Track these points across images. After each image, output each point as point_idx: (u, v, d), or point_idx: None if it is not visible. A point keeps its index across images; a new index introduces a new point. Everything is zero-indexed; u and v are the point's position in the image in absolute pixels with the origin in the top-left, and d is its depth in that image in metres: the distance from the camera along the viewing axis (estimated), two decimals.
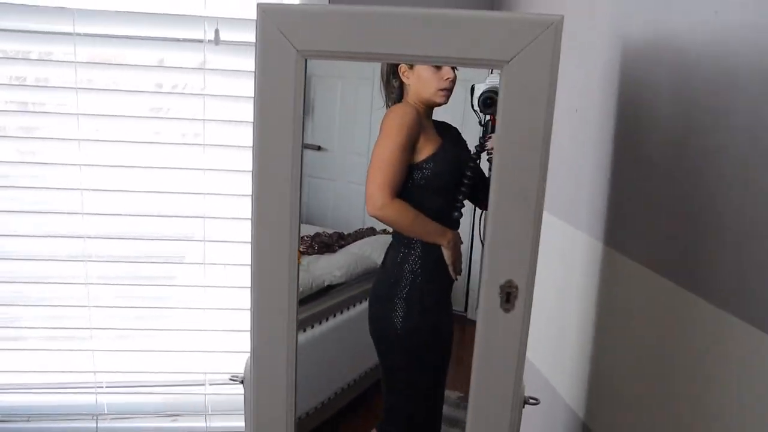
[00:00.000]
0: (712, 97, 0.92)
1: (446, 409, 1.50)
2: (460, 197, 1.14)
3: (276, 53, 0.97)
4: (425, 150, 1.13)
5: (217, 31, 1.64)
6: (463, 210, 1.16)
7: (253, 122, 1.01)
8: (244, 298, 1.77)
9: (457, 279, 1.20)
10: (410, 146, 1.12)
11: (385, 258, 1.24)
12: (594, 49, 1.26)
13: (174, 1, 1.68)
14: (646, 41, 1.09)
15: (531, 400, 1.17)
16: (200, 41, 1.68)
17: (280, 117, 1.00)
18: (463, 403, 1.15)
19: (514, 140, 0.97)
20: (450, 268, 1.18)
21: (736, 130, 0.87)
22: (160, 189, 1.77)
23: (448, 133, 1.15)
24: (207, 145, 1.73)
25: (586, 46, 1.29)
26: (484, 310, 1.03)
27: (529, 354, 1.50)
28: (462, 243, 1.18)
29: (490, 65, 0.98)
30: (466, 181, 1.12)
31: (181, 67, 1.72)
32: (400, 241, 1.20)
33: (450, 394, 1.50)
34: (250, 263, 1.07)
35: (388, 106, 1.16)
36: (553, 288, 1.45)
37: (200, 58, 1.68)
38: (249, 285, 1.80)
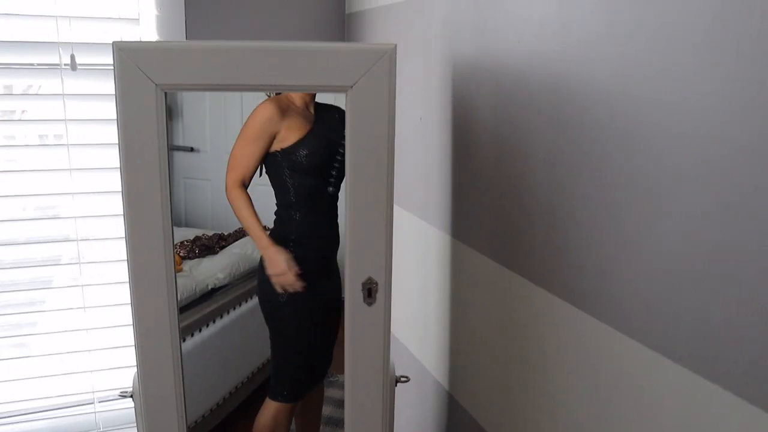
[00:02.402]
0: (517, 108, 1.09)
1: (339, 393, 1.59)
2: (334, 173, 1.23)
3: (135, 88, 1.01)
4: (291, 137, 1.22)
5: (72, 57, 1.65)
6: (339, 185, 1.23)
7: (119, 153, 1.04)
8: (125, 315, 1.79)
9: (283, 293, 1.28)
10: (263, 139, 1.22)
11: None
12: (431, 68, 1.40)
13: (26, 28, 1.66)
14: (469, 63, 1.25)
15: (402, 379, 1.27)
16: (56, 66, 1.68)
17: (144, 146, 1.04)
18: None
19: (362, 153, 1.07)
20: (272, 280, 1.27)
21: (536, 137, 1.04)
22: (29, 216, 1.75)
23: (324, 115, 1.25)
24: (73, 169, 1.74)
25: (425, 65, 1.43)
26: (350, 305, 1.13)
27: (399, 336, 1.65)
28: (294, 268, 1.25)
29: (336, 90, 1.07)
30: (338, 158, 1.20)
31: (40, 94, 1.71)
32: (279, 216, 1.29)
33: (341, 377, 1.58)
34: (128, 280, 1.10)
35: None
36: (414, 277, 1.58)
37: (58, 83, 1.68)
38: (128, 301, 1.80)
